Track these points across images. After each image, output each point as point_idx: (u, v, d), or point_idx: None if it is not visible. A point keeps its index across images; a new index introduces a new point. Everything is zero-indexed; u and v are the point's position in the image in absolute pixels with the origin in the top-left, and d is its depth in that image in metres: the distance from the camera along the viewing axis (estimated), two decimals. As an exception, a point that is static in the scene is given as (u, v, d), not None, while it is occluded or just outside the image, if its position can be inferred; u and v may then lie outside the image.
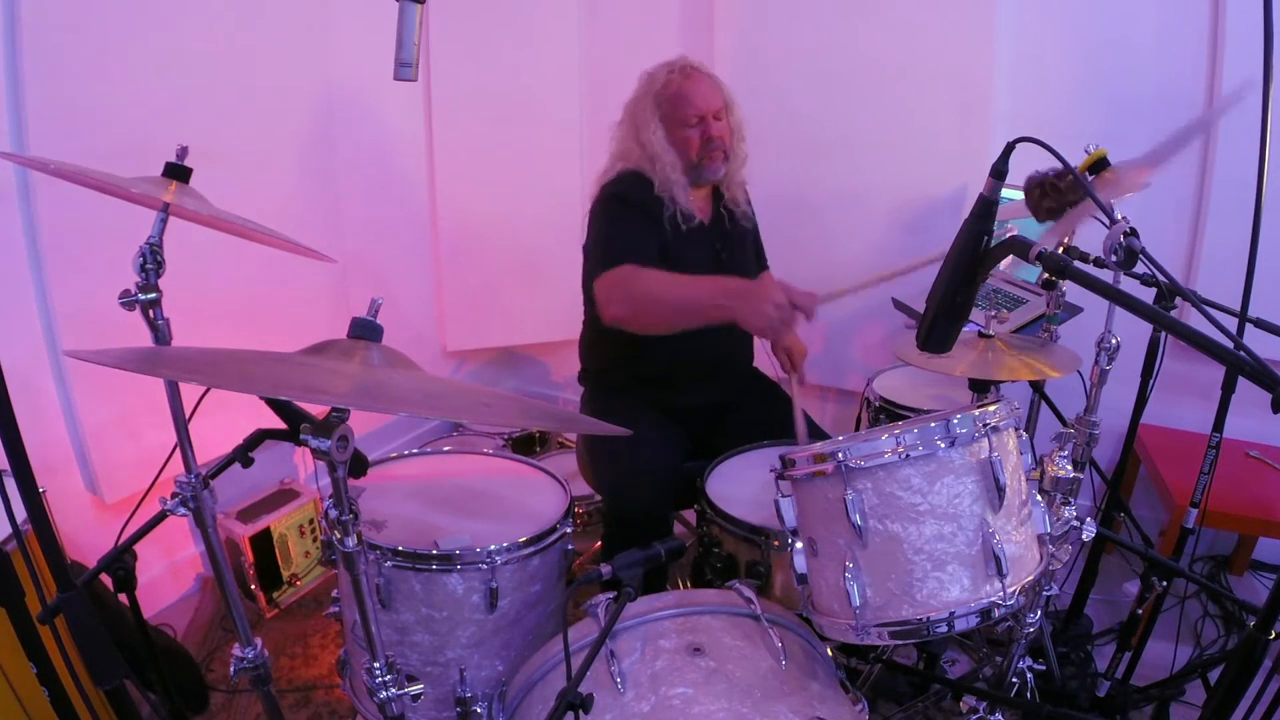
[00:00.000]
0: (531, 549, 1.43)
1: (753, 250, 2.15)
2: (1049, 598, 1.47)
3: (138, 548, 1.40)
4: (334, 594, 1.61)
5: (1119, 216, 1.10)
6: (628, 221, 1.88)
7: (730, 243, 2.03)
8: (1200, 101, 2.36)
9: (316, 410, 1.04)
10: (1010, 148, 1.08)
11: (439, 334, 3.32)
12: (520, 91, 3.03)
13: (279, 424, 1.31)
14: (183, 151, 1.31)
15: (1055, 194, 1.46)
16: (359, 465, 1.37)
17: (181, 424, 1.37)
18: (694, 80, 1.91)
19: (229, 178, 1.64)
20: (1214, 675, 1.74)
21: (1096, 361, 1.50)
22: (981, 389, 1.64)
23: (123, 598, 1.41)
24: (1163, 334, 1.69)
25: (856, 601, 1.13)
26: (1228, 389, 1.64)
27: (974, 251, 1.10)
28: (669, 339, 1.78)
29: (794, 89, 2.71)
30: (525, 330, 3.32)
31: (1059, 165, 1.19)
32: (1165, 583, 1.73)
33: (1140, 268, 1.18)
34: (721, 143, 1.92)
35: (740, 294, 1.60)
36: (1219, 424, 1.69)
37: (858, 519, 1.11)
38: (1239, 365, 0.85)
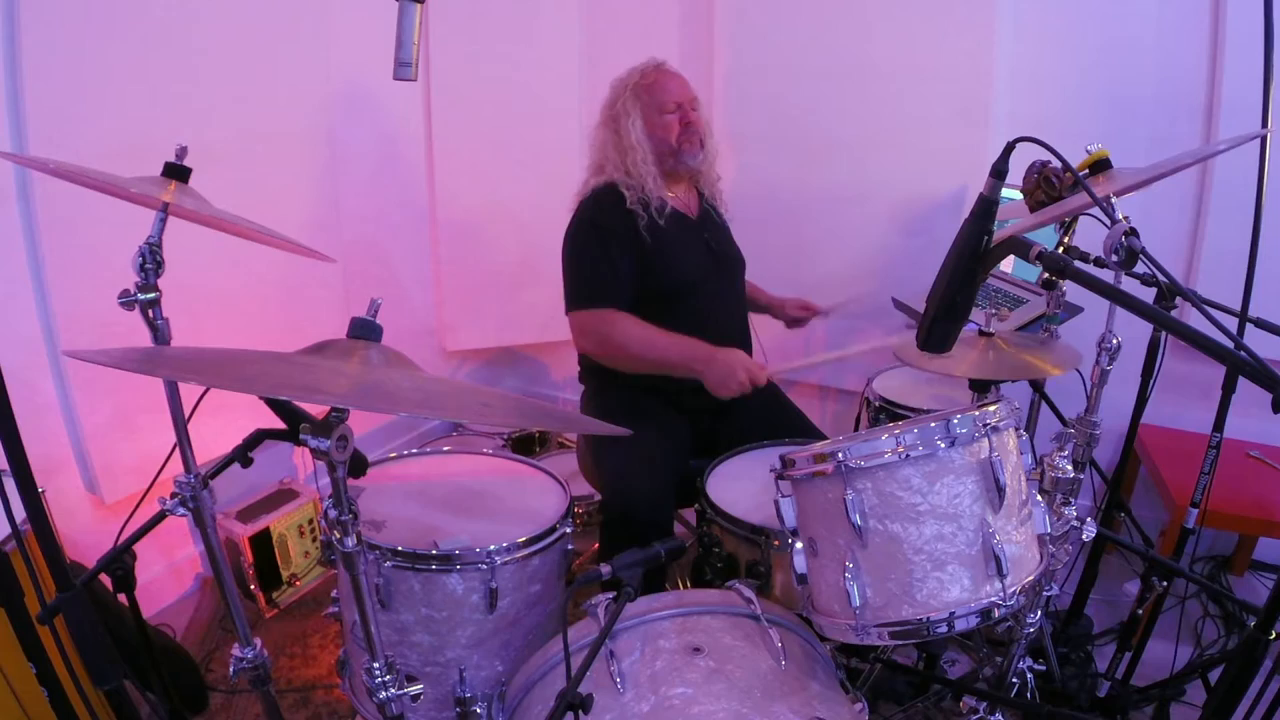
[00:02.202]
0: (531, 549, 1.43)
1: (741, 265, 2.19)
2: (1049, 598, 1.47)
3: (137, 548, 1.40)
4: (333, 594, 1.60)
5: (1120, 216, 1.10)
6: (601, 255, 1.93)
7: (718, 233, 2.11)
8: (1201, 102, 2.35)
9: (316, 410, 1.03)
10: (1010, 147, 1.08)
11: (439, 334, 3.32)
12: (520, 91, 3.03)
13: (278, 424, 1.30)
14: (182, 151, 1.31)
15: (1048, 188, 1.46)
16: (358, 465, 1.37)
17: (181, 424, 1.37)
18: (667, 74, 2.01)
19: (228, 178, 1.64)
20: (1214, 675, 1.74)
21: (1097, 361, 1.50)
22: (982, 389, 1.63)
23: (122, 598, 1.41)
24: (1163, 334, 1.69)
25: (856, 601, 1.13)
26: (1228, 389, 1.64)
27: (974, 251, 1.10)
28: None
29: (794, 89, 2.71)
30: (525, 330, 3.32)
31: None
32: (1165, 583, 1.73)
33: (1140, 267, 1.18)
34: (698, 129, 2.00)
35: (708, 362, 1.80)
36: (1219, 424, 1.68)
37: (858, 519, 1.11)
38: (1239, 365, 0.85)
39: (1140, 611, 1.80)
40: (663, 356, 1.87)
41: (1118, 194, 1.35)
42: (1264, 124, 1.81)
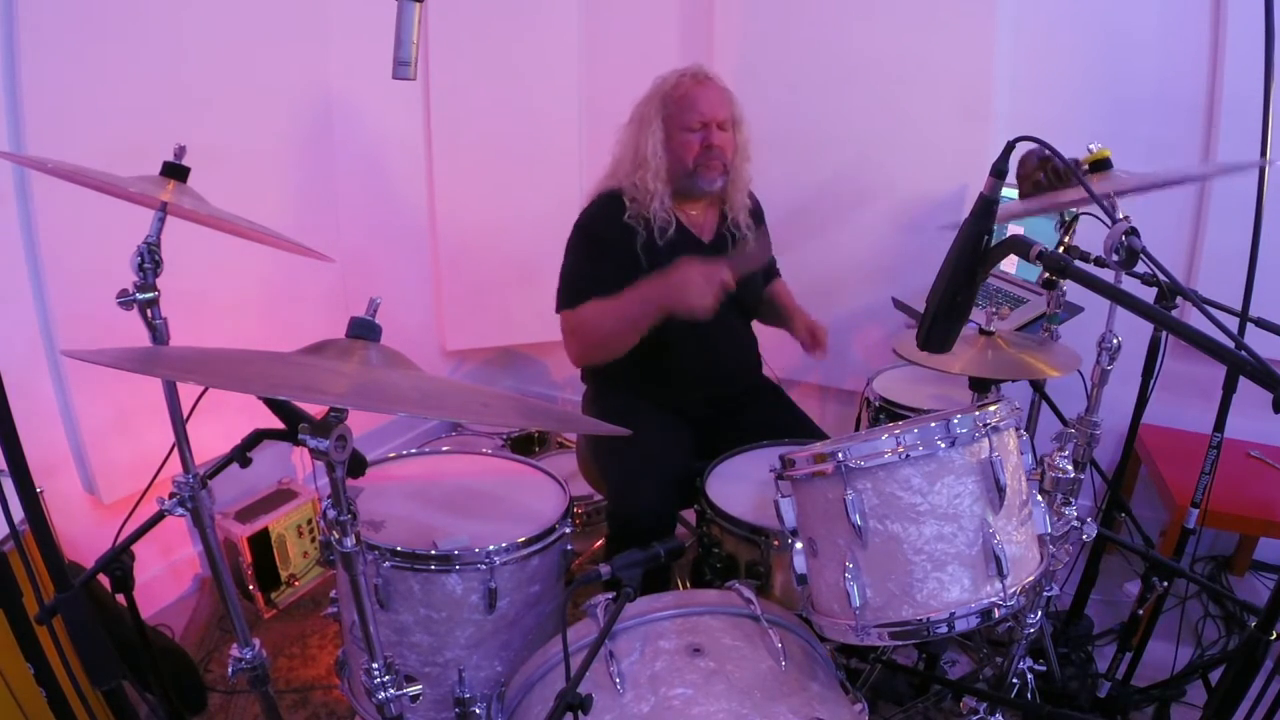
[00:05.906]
0: (530, 549, 1.43)
1: (760, 271, 2.10)
2: (1049, 598, 1.47)
3: (135, 548, 1.39)
4: (332, 594, 1.60)
5: (1120, 215, 1.09)
6: (588, 262, 1.90)
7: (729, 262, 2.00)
8: (1201, 101, 2.35)
9: (315, 410, 1.03)
10: (1010, 147, 1.08)
11: (438, 333, 3.32)
12: (519, 90, 3.03)
13: (277, 424, 1.30)
14: (180, 150, 1.30)
15: (1053, 177, 1.45)
16: (357, 465, 1.36)
17: (179, 424, 1.36)
18: (704, 87, 1.89)
19: (227, 177, 1.64)
20: (1215, 676, 1.74)
21: (1098, 361, 1.49)
22: (982, 388, 1.63)
23: (120, 598, 1.41)
24: (1164, 334, 1.69)
25: (856, 602, 1.13)
26: (1229, 389, 1.64)
27: (974, 251, 1.10)
28: (671, 342, 1.85)
29: (794, 89, 2.71)
30: (524, 330, 3.32)
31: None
32: (1166, 583, 1.73)
33: (1141, 267, 1.17)
34: (721, 153, 1.88)
35: (666, 289, 1.70)
36: (1220, 424, 1.68)
37: (858, 519, 1.11)
38: (1240, 365, 0.85)
39: (1140, 612, 1.80)
40: (624, 315, 1.77)
41: (1118, 193, 1.35)
42: (1264, 124, 1.80)
